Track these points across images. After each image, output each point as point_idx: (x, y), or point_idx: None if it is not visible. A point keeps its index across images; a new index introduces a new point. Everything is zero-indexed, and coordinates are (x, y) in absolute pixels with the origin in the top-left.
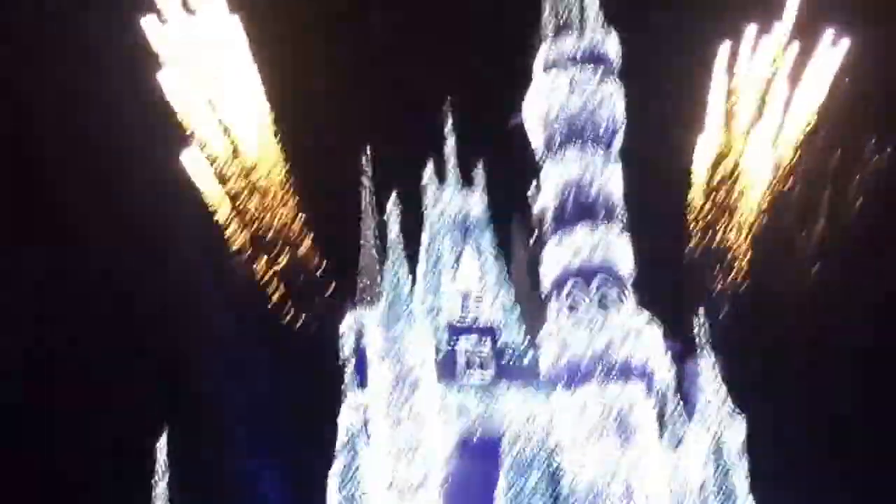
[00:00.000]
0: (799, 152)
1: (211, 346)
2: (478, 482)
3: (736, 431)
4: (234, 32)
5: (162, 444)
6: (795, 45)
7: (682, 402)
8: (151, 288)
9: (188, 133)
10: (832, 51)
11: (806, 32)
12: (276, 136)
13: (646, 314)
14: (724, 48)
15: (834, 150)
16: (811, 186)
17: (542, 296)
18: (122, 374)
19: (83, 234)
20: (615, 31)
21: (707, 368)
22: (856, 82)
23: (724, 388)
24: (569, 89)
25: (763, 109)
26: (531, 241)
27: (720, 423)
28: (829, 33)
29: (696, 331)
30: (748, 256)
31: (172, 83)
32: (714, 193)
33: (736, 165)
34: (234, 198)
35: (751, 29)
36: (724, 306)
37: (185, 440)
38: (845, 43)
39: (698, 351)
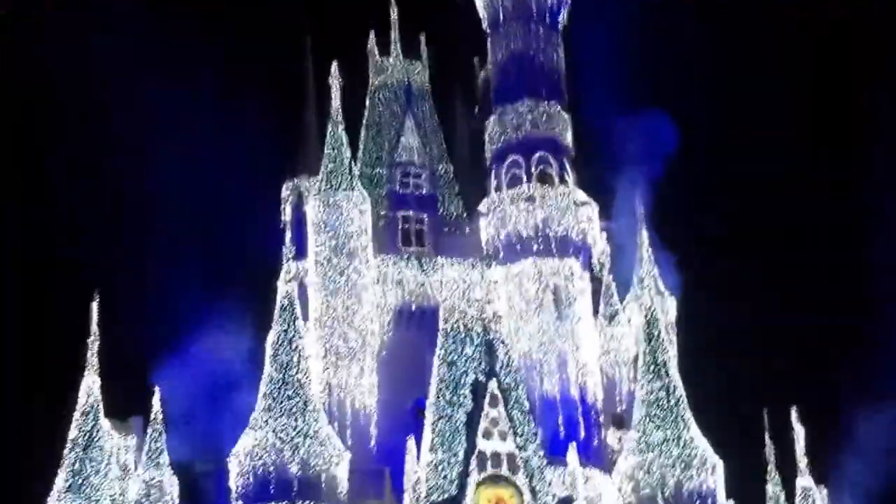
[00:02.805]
0: None
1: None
2: (414, 351)
3: (667, 310)
4: None
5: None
6: None
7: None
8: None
9: None
10: None
11: None
12: None
13: (583, 192)
14: None
15: None
16: None
17: (483, 169)
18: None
19: None
20: None
21: (641, 247)
22: None
23: (656, 268)
24: None
25: None
26: (474, 115)
27: (652, 300)
28: None
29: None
30: None
31: None
32: None
33: None
34: None
35: None
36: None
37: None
38: None
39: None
